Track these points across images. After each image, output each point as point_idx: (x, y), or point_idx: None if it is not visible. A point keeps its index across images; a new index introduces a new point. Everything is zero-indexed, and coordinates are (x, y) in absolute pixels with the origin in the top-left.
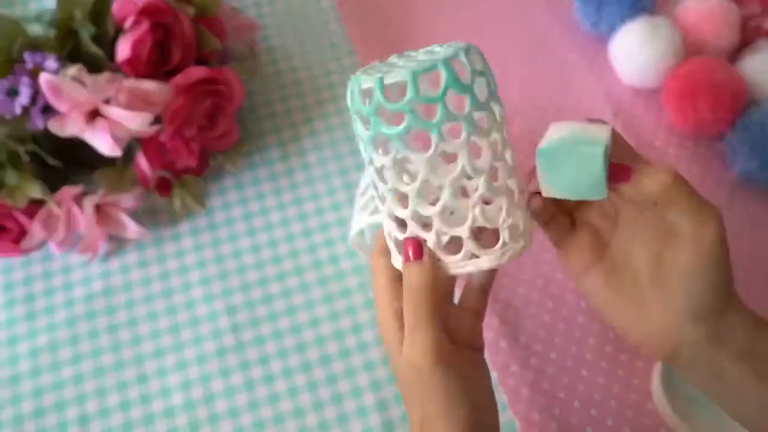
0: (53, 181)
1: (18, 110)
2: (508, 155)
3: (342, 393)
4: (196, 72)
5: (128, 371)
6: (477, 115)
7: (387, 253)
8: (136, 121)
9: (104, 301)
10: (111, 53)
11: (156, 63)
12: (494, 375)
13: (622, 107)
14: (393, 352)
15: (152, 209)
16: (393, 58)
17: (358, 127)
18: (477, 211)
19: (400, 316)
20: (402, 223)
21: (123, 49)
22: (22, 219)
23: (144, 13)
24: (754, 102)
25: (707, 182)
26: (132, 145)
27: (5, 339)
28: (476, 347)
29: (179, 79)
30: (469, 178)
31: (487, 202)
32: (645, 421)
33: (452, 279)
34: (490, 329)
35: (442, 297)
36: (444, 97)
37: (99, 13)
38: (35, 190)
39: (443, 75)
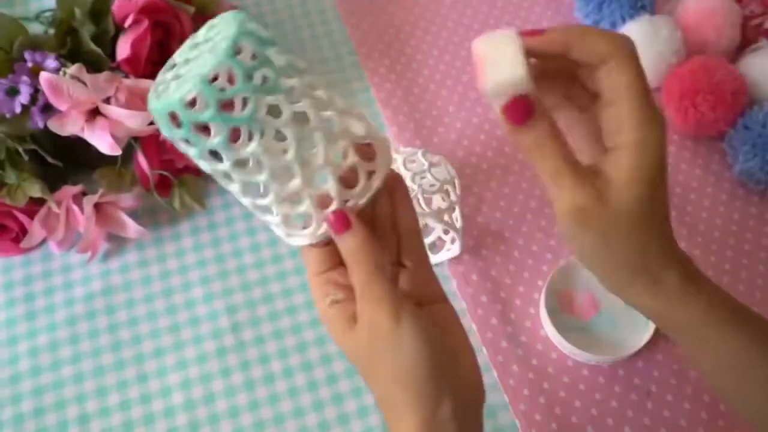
0: (53, 180)
1: (18, 109)
2: (319, 94)
3: (342, 393)
4: None
5: (128, 371)
6: (287, 82)
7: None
8: (135, 120)
9: (104, 300)
10: (111, 52)
11: (156, 62)
12: (494, 375)
13: None
14: (342, 331)
15: (152, 208)
16: (170, 67)
17: (188, 149)
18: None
19: (340, 295)
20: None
21: (123, 48)
22: (22, 218)
23: (144, 11)
24: (755, 101)
25: (707, 181)
26: (132, 145)
27: (5, 338)
28: (436, 299)
29: None
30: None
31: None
32: (645, 420)
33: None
34: (490, 329)
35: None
36: (248, 83)
37: (99, 12)
38: (35, 189)
39: (232, 66)
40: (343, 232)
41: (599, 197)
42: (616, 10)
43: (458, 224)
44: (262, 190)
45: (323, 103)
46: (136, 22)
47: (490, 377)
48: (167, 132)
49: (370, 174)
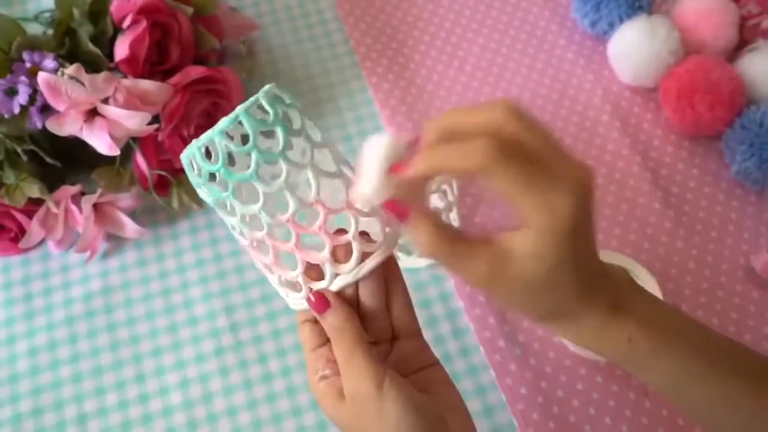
0: (51, 180)
1: (16, 109)
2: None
3: None
4: (194, 71)
5: (126, 370)
6: (296, 142)
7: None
8: (134, 121)
9: (103, 300)
10: (109, 52)
11: (154, 62)
12: (492, 374)
13: (620, 106)
14: (331, 406)
15: (150, 208)
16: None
17: (206, 197)
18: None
19: (328, 371)
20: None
21: (121, 49)
22: (21, 218)
23: (142, 12)
24: (752, 101)
25: (705, 181)
26: (130, 145)
27: (4, 338)
28: (427, 364)
29: (177, 78)
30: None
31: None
32: (643, 420)
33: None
34: (488, 328)
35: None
36: (255, 144)
37: (97, 13)
38: (33, 190)
39: (246, 123)
40: (322, 311)
41: (495, 273)
42: (613, 10)
43: (456, 224)
44: (263, 247)
45: (329, 173)
46: (134, 22)
47: (487, 376)
48: (192, 179)
49: (366, 255)
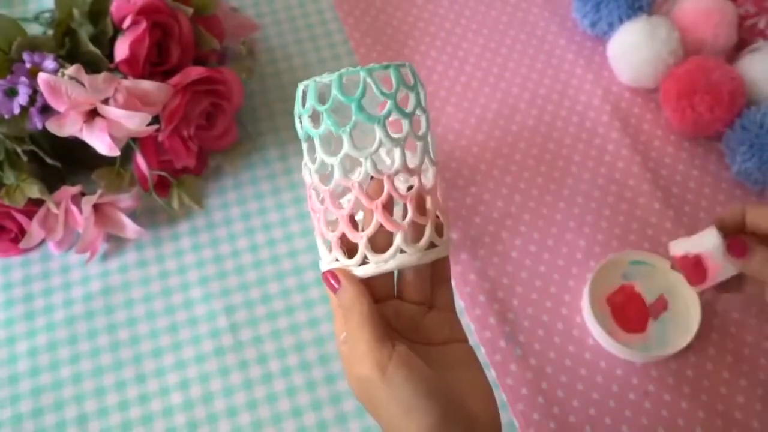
0: (52, 180)
1: (16, 110)
2: (433, 157)
3: (340, 392)
4: (195, 72)
5: (127, 371)
6: (418, 113)
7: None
8: (134, 121)
9: (103, 300)
10: (109, 53)
11: (154, 63)
12: (492, 374)
13: (620, 107)
14: (348, 373)
15: (151, 209)
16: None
17: (308, 127)
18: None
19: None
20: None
21: (121, 49)
22: (21, 219)
23: (142, 12)
24: (752, 102)
25: (705, 182)
26: (130, 145)
27: (4, 338)
28: (455, 340)
29: (177, 78)
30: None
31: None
32: (643, 420)
33: (388, 282)
34: (488, 328)
35: (382, 299)
36: (396, 95)
37: (97, 13)
38: (34, 190)
39: (393, 76)
40: (334, 290)
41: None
42: (614, 11)
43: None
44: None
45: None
46: (134, 23)
47: (488, 376)
48: (312, 99)
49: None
